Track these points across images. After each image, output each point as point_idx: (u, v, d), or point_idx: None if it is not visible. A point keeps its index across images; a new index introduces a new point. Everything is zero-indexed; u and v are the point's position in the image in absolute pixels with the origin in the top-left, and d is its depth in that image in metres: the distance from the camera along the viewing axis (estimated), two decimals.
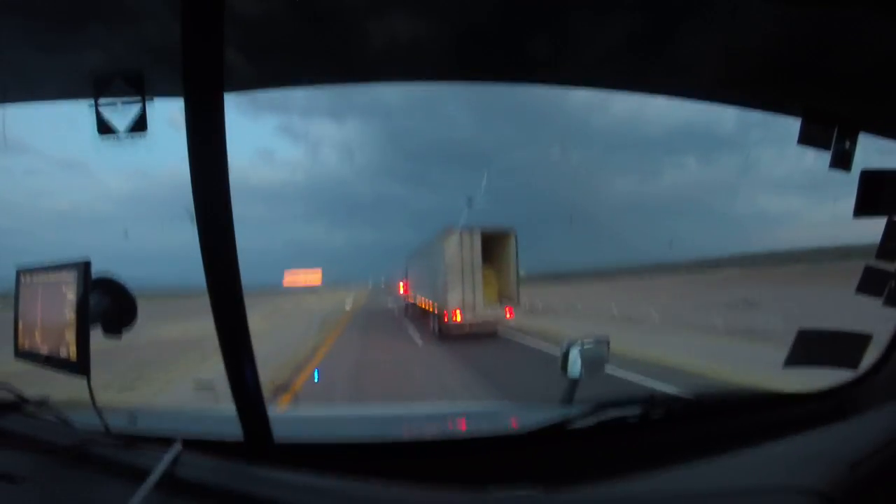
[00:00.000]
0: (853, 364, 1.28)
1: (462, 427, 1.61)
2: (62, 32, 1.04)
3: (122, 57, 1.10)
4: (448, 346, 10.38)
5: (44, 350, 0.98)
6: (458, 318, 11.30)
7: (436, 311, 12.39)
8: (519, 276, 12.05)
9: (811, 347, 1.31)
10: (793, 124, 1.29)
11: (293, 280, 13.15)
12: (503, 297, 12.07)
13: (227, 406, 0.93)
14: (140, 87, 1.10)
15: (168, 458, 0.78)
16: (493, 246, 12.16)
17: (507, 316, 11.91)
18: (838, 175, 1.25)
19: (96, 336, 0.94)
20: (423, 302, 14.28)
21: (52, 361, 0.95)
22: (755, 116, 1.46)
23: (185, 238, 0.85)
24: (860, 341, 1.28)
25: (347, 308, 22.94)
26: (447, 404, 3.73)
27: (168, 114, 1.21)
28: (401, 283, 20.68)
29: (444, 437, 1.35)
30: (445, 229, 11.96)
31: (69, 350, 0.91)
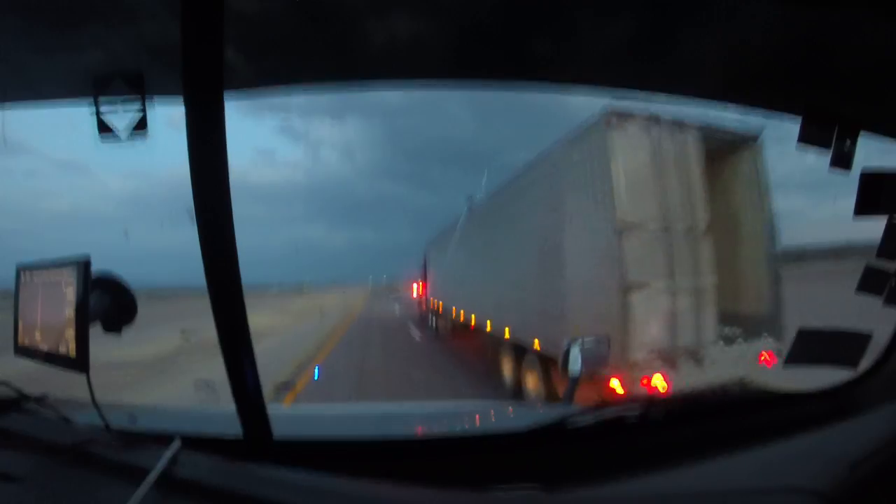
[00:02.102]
0: (853, 364, 1.27)
1: (462, 426, 1.61)
2: (62, 32, 1.04)
3: (122, 57, 1.10)
4: None
5: (43, 347, 0.98)
6: (664, 387, 3.73)
7: (546, 361, 5.05)
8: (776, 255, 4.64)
9: (811, 346, 1.31)
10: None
11: None
12: (742, 315, 4.48)
13: (226, 404, 0.93)
14: (140, 87, 1.11)
15: (167, 456, 0.78)
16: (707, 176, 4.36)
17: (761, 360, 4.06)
18: None
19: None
20: (484, 324, 7.31)
21: (52, 358, 0.95)
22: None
23: (185, 238, 0.85)
24: (860, 341, 1.28)
25: None
26: (448, 403, 3.73)
27: (168, 114, 1.21)
28: (415, 284, 14.32)
29: (443, 435, 1.35)
30: (603, 116, 4.09)
31: (69, 347, 0.91)
